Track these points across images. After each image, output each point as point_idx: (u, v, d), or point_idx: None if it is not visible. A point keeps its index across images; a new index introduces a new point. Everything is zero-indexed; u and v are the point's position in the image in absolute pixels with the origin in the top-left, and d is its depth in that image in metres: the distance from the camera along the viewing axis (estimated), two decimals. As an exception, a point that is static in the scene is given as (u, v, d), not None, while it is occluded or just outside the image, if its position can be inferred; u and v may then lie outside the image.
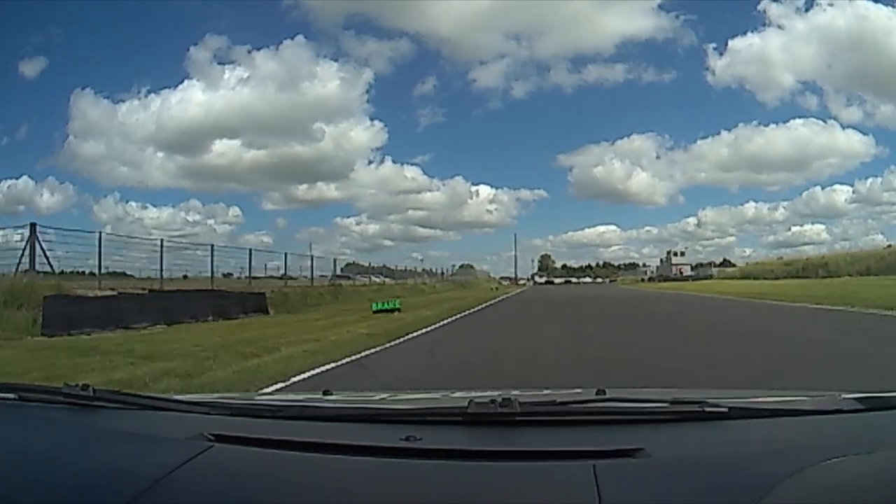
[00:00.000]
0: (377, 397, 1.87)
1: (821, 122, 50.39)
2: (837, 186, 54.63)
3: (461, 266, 64.00)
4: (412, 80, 68.76)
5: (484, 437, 1.14)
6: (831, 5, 47.73)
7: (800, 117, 52.76)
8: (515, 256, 72.20)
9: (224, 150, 49.57)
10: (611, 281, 74.18)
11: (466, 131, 66.54)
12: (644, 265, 71.72)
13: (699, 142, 60.62)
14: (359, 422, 1.30)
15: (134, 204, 48.96)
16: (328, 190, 61.01)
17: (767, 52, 49.27)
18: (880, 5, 46.80)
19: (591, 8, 55.80)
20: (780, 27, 49.32)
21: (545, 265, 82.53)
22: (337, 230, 59.67)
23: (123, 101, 46.95)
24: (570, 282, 73.02)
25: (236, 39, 54.73)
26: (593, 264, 79.47)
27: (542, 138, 74.41)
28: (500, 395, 1.23)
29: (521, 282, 69.68)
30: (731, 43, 57.23)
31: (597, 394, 1.32)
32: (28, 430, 1.30)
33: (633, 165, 58.42)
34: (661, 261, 70.10)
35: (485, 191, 60.38)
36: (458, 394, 1.69)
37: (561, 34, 59.46)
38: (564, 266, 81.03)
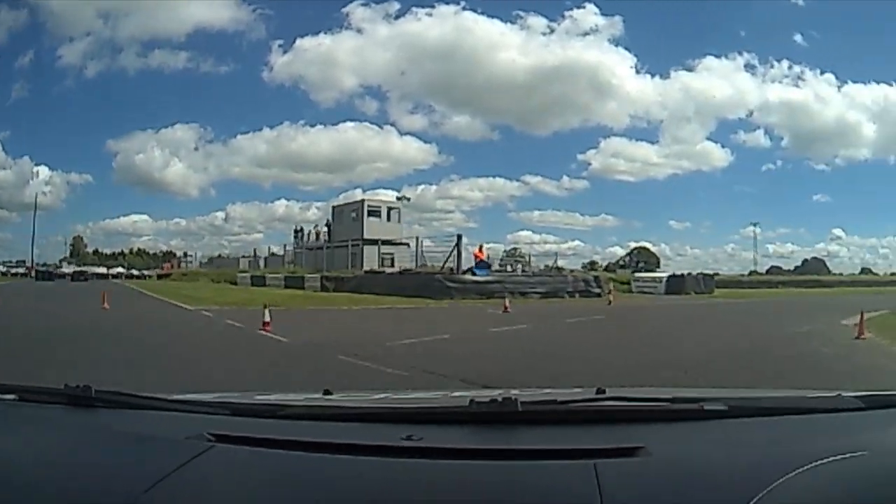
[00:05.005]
0: (377, 396, 1.86)
1: (376, 126, 52.08)
2: (381, 191, 50.36)
3: None
4: (16, 51, 60.89)
5: (485, 436, 1.14)
6: (430, 15, 47.74)
7: (354, 120, 54.39)
8: (34, 225, 56.24)
9: None
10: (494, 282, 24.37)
11: (41, 109, 61.18)
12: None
13: (239, 136, 58.24)
14: (359, 421, 1.30)
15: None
16: None
17: (335, 54, 49.63)
18: (496, 20, 47.74)
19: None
20: (359, 31, 49.26)
21: (77, 249, 66.32)
22: None
23: None
24: (84, 276, 47.64)
25: None
26: (133, 251, 68.19)
27: (100, 121, 69.54)
28: (501, 394, 1.24)
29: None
30: (299, 41, 55.10)
31: (597, 393, 1.32)
32: (28, 431, 1.30)
33: (171, 155, 54.47)
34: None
35: (44, 172, 53.76)
36: (459, 393, 1.70)
37: (144, 16, 58.12)
38: (96, 252, 66.27)
